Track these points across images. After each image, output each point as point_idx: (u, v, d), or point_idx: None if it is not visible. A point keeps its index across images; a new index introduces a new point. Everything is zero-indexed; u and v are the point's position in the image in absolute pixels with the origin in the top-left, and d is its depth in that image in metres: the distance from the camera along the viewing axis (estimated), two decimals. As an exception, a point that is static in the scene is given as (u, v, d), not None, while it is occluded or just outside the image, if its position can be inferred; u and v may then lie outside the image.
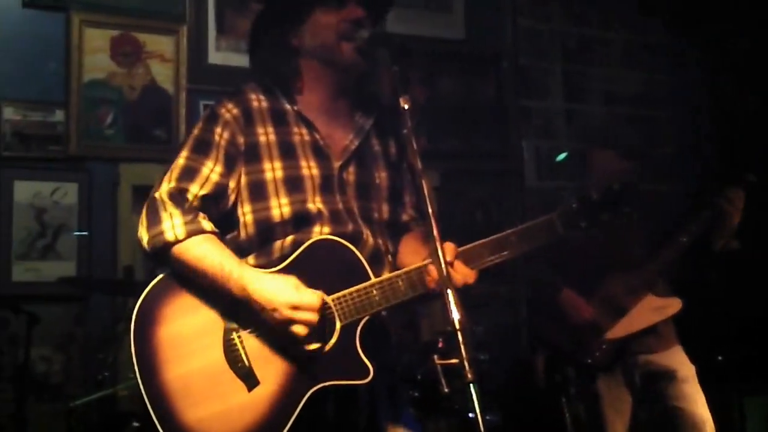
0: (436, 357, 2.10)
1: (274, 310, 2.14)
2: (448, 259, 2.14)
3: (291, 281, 2.17)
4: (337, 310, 2.21)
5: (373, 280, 2.24)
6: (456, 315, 1.93)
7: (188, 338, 2.21)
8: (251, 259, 2.31)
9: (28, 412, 3.62)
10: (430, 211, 2.07)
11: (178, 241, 2.22)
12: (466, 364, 1.89)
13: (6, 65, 3.84)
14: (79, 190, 3.94)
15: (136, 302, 2.27)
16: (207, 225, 2.25)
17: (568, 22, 5.15)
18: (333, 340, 2.20)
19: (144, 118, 4.08)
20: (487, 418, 1.96)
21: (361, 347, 2.21)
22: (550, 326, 3.90)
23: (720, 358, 4.40)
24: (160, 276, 2.26)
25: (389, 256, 2.41)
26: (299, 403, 2.17)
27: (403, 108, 2.18)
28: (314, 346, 2.18)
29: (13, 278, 3.83)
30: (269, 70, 2.43)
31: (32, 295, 3.80)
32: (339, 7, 2.34)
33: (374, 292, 2.23)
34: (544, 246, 2.29)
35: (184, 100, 4.14)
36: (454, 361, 1.95)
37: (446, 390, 2.13)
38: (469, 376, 1.88)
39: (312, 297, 2.16)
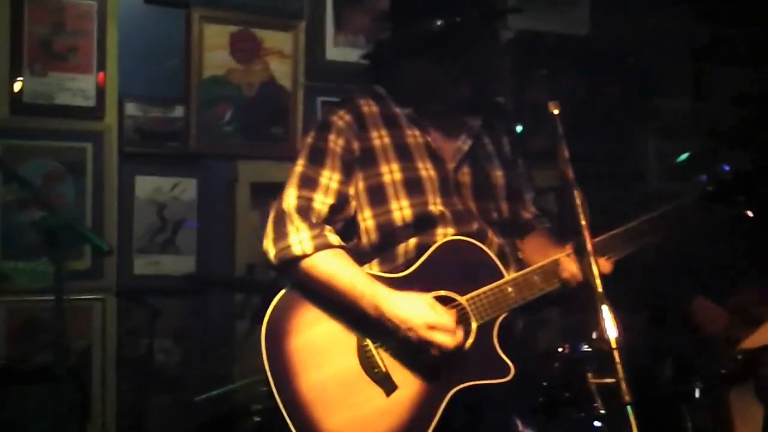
0: (590, 375, 2.06)
1: (409, 329, 2.13)
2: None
3: (426, 300, 2.16)
4: (472, 310, 2.19)
5: (507, 277, 2.24)
6: (612, 332, 1.90)
7: (321, 347, 2.21)
8: (375, 265, 2.31)
9: (148, 403, 3.71)
10: (582, 223, 2.04)
11: (305, 256, 2.21)
12: (623, 384, 1.87)
13: (128, 62, 3.88)
14: (198, 186, 3.98)
15: (262, 305, 2.33)
16: (334, 239, 2.25)
17: (698, 20, 4.92)
18: (470, 341, 2.18)
19: (261, 115, 4.07)
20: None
21: (499, 345, 2.20)
22: (678, 335, 3.81)
23: None
24: (288, 286, 2.27)
25: (514, 254, 2.39)
26: (440, 405, 2.16)
27: (552, 113, 2.14)
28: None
29: (134, 271, 3.90)
30: (392, 78, 2.43)
31: (152, 288, 3.85)
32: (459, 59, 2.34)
33: (509, 289, 2.22)
34: (677, 232, 2.27)
35: (302, 97, 4.12)
36: (609, 380, 1.92)
37: (602, 411, 2.08)
38: (627, 397, 1.85)
39: (447, 317, 2.14)
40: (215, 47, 3.98)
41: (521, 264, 2.37)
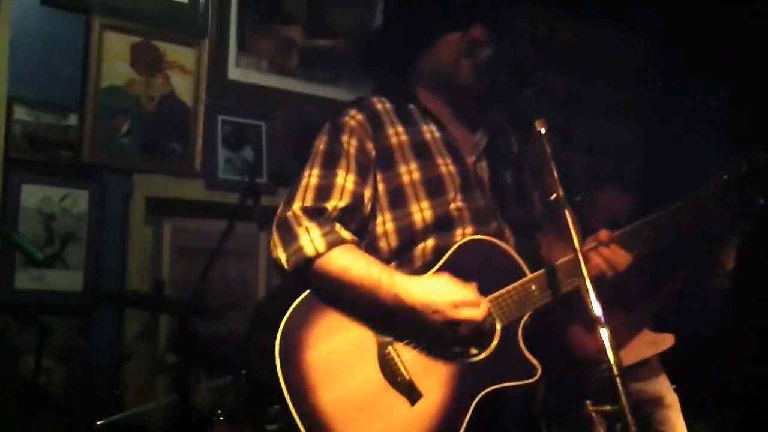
0: (589, 403, 2.06)
1: (435, 312, 2.06)
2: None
3: (444, 279, 2.10)
4: (495, 311, 2.13)
5: (530, 275, 2.18)
6: (612, 358, 1.88)
7: (339, 358, 2.10)
8: (392, 268, 2.19)
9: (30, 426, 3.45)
10: (576, 245, 2.00)
11: (319, 255, 2.11)
12: (627, 414, 1.83)
13: (19, 64, 3.65)
14: (89, 198, 3.78)
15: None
16: (346, 234, 2.16)
17: (557, 74, 5.31)
18: (495, 342, 2.12)
19: (160, 129, 3.96)
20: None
21: (525, 345, 2.15)
22: (548, 358, 4.06)
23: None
24: (300, 298, 2.16)
25: (530, 253, 2.31)
26: (468, 410, 2.07)
27: (539, 132, 2.11)
28: (476, 350, 2.11)
29: (15, 286, 3.63)
30: (388, 91, 2.39)
31: (36, 304, 3.62)
32: (465, 29, 2.29)
33: (533, 287, 2.17)
34: (695, 229, 2.23)
35: (203, 114, 4.05)
36: (608, 408, 1.91)
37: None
38: (633, 428, 1.82)
39: (469, 291, 2.08)
40: (115, 57, 3.84)
41: (538, 263, 2.26)
